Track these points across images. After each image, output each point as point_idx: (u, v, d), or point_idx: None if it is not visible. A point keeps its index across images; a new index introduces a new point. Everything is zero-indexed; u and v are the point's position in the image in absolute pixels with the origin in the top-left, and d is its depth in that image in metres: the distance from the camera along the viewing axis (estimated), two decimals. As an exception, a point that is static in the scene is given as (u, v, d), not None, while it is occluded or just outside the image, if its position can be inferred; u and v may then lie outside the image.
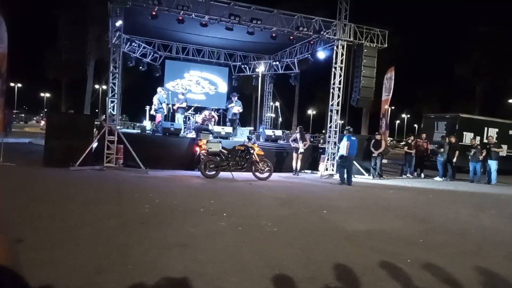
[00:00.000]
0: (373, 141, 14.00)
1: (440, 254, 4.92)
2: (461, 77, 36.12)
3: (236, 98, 15.95)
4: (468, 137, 18.32)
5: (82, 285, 3.34)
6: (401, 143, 39.36)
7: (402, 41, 32.03)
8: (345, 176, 11.56)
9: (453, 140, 14.74)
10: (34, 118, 59.21)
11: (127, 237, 4.78)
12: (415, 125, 58.62)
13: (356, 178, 13.33)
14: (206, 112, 14.77)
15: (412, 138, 15.82)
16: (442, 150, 14.59)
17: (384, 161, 16.09)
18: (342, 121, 15.54)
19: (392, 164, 20.56)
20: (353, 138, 11.79)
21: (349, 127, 12.20)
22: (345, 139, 11.67)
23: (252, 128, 25.05)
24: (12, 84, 56.11)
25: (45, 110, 55.48)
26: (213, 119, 14.81)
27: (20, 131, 28.33)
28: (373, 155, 13.79)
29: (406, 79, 42.89)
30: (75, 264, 3.78)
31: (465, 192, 11.79)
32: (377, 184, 12.33)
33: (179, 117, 14.89)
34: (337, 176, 13.54)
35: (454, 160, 14.42)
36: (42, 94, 64.12)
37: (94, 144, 11.76)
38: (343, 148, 11.56)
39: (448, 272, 4.27)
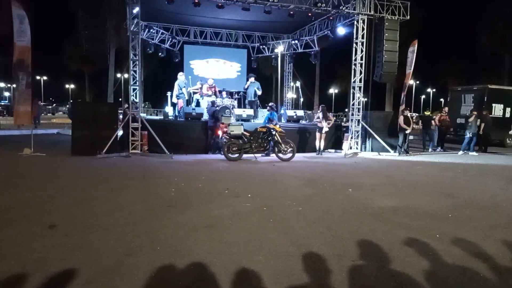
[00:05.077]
0: (402, 117, 13.48)
1: (469, 229, 4.82)
2: (487, 48, 34.58)
3: (252, 79, 15.55)
4: (497, 108, 17.69)
5: (113, 267, 3.44)
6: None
7: (425, 13, 30.91)
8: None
9: (486, 113, 14.51)
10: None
11: (154, 221, 4.90)
12: (441, 99, 56.89)
13: (382, 156, 13.18)
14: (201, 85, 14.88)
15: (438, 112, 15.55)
16: (470, 124, 14.18)
17: (411, 137, 15.74)
18: (366, 99, 15.22)
19: (419, 140, 20.10)
20: (276, 114, 12.77)
21: (272, 103, 12.80)
22: (269, 116, 12.26)
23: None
24: (38, 77, 57.65)
25: (71, 101, 56.76)
26: (210, 89, 14.77)
27: (48, 122, 29.23)
28: (407, 131, 13.44)
29: (430, 53, 41.53)
30: (106, 247, 3.91)
31: (495, 166, 11.43)
32: (403, 161, 12.11)
33: (201, 101, 14.91)
34: (361, 154, 13.47)
35: (480, 132, 14.33)
36: (67, 86, 65.61)
37: (119, 132, 11.99)
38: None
39: (478, 246, 4.18)
